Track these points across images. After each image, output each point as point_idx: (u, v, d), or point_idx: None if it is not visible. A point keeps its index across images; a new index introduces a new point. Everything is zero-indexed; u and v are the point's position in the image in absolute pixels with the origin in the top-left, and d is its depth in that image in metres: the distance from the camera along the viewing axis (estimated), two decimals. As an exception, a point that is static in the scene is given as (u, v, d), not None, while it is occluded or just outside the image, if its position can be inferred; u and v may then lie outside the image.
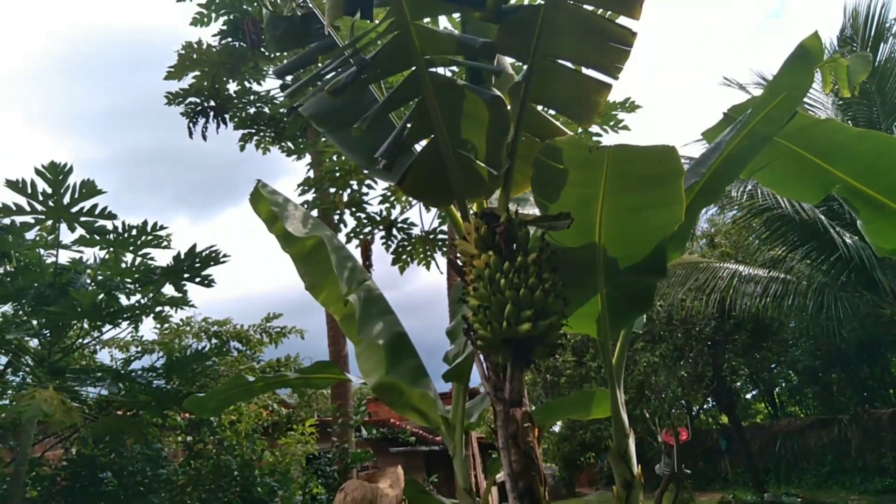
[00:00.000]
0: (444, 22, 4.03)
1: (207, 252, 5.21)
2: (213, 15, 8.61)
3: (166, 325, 7.63)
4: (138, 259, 5.24)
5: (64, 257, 5.32)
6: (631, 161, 2.55)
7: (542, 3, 2.79)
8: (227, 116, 9.24)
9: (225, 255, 5.31)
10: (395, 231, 7.45)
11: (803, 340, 18.76)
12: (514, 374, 2.77)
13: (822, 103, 10.98)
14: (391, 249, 7.54)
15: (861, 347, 16.90)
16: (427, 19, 2.81)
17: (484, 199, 3.38)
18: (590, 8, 2.82)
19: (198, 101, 9.06)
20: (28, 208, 4.66)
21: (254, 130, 9.30)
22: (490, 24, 2.91)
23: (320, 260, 3.71)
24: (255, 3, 8.30)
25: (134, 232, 5.06)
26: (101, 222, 4.94)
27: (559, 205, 2.77)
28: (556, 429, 22.16)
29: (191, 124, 9.17)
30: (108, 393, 5.40)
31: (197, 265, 5.24)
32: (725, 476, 21.22)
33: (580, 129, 5.51)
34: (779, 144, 3.13)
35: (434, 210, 6.84)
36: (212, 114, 9.16)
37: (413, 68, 2.89)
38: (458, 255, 2.96)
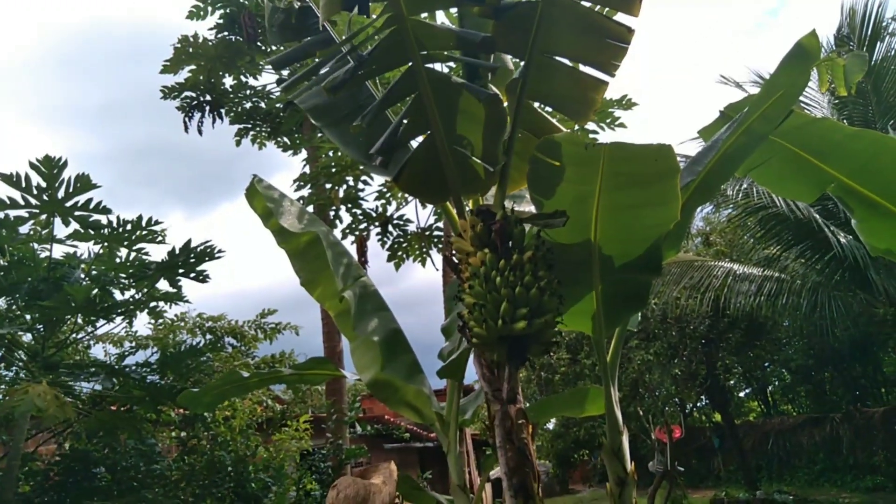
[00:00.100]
0: (441, 17, 4.02)
1: (202, 247, 5.19)
2: (210, 8, 8.58)
3: (160, 321, 7.62)
4: (133, 254, 5.21)
5: (58, 252, 5.30)
6: (627, 159, 2.55)
7: (540, -1, 2.78)
8: (223, 111, 9.21)
9: (220, 251, 5.29)
10: (390, 227, 7.45)
11: (797, 339, 18.84)
12: (509, 372, 2.77)
13: (818, 102, 11.01)
14: (387, 246, 7.54)
15: (854, 346, 16.98)
16: (424, 14, 2.80)
17: (480, 195, 3.38)
18: (588, 4, 2.82)
19: (194, 95, 9.04)
20: (22, 202, 4.64)
21: (250, 125, 9.28)
22: (487, 21, 2.90)
23: (316, 256, 3.71)
24: (252, -3, 8.27)
25: (128, 227, 5.04)
26: (96, 217, 4.92)
27: (555, 202, 2.77)
28: (551, 426, 22.22)
29: (186, 119, 9.15)
30: (101, 388, 5.38)
31: (192, 260, 5.23)
32: (718, 473, 21.31)
33: (576, 127, 5.51)
34: (774, 143, 3.13)
35: (430, 207, 6.84)
36: (207, 108, 9.14)
37: (410, 64, 2.88)
38: (454, 252, 2.95)
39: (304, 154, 8.94)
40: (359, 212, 7.36)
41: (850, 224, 3.69)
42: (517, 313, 2.62)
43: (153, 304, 5.65)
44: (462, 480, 3.61)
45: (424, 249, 7.55)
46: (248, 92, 9.17)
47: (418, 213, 13.55)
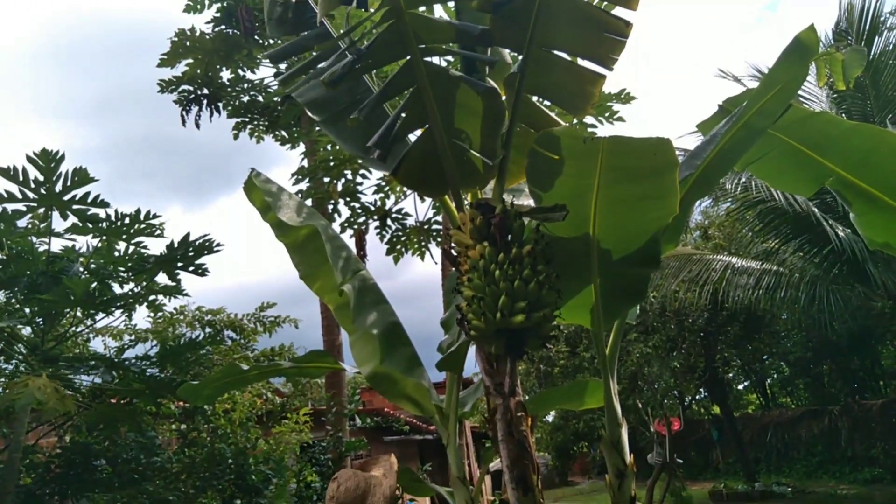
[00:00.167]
0: (439, 11, 4.02)
1: (201, 241, 5.19)
2: (207, 2, 8.55)
3: (160, 314, 7.62)
4: (131, 247, 5.22)
5: (56, 245, 5.31)
6: (626, 152, 2.55)
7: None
8: (220, 105, 9.19)
9: (218, 244, 5.29)
10: (389, 221, 7.45)
11: (795, 332, 18.88)
12: (511, 366, 2.78)
13: (817, 96, 10.99)
14: (385, 239, 7.54)
15: (852, 339, 17.02)
16: (422, 8, 2.79)
17: (478, 189, 3.39)
18: (586, -2, 2.82)
19: (191, 88, 9.01)
20: (20, 196, 4.64)
21: (247, 119, 9.26)
22: (485, 15, 2.90)
23: (315, 249, 3.71)
24: (250, -10, 8.23)
25: (127, 220, 5.04)
26: (94, 210, 4.92)
27: (553, 195, 2.77)
28: (550, 418, 22.27)
29: (184, 112, 9.13)
30: (101, 381, 5.39)
31: (190, 254, 5.23)
32: (717, 466, 21.41)
33: (575, 120, 5.50)
34: (773, 137, 3.13)
35: (428, 200, 6.83)
36: (205, 102, 9.12)
37: (408, 57, 2.88)
38: (453, 245, 2.96)
39: (302, 148, 8.92)
40: (357, 205, 7.35)
41: (848, 218, 3.70)
42: (516, 307, 2.63)
43: (152, 297, 5.65)
44: (462, 472, 3.63)
45: (423, 243, 7.55)
46: (245, 85, 9.15)
47: (417, 207, 13.54)
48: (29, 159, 4.46)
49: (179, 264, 5.30)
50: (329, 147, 6.89)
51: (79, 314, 5.69)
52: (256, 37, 8.46)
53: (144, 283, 5.45)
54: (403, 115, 3.02)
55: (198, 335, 7.02)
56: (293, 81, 3.30)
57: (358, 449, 9.64)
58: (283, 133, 9.10)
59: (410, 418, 14.78)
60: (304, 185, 7.21)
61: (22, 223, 5.01)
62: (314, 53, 3.18)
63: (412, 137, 3.28)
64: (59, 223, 4.97)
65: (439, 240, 7.40)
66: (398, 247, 7.57)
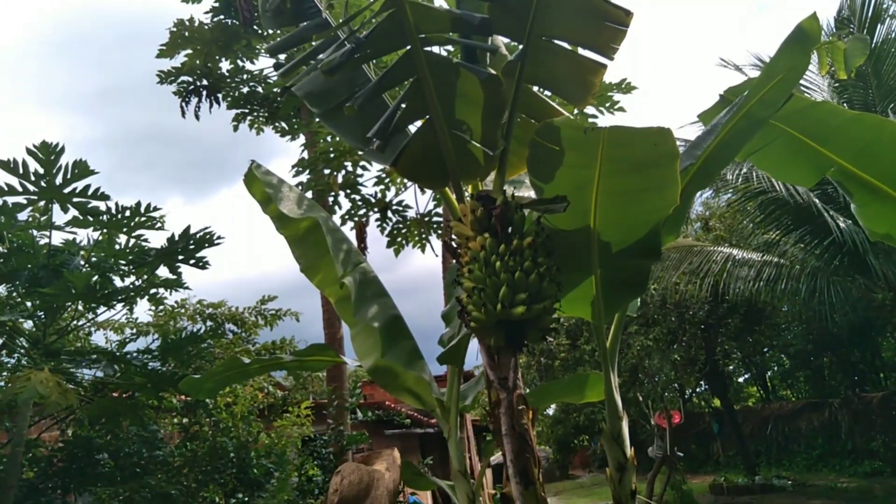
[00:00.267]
0: (439, 1, 3.99)
1: (202, 234, 5.18)
2: (206, -7, 8.50)
3: (161, 308, 7.62)
4: (132, 240, 5.21)
5: (57, 238, 5.30)
6: (626, 143, 2.54)
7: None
8: (219, 96, 9.16)
9: (219, 237, 5.28)
10: (390, 213, 7.43)
11: (796, 324, 18.87)
12: (515, 361, 2.78)
13: (819, 85, 10.95)
14: (386, 232, 7.52)
15: (853, 331, 17.02)
16: (422, -3, 2.78)
17: (479, 180, 3.37)
18: (586, -13, 2.79)
19: (190, 79, 8.98)
20: (20, 189, 4.62)
21: (247, 110, 9.23)
22: (484, 4, 2.88)
23: (315, 242, 3.71)
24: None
25: (127, 213, 5.03)
26: (94, 203, 4.90)
27: (554, 187, 2.77)
28: (551, 411, 22.30)
29: (183, 103, 9.10)
30: (103, 375, 5.39)
31: (191, 247, 5.22)
32: (717, 459, 21.46)
33: (576, 111, 5.48)
34: (775, 127, 3.12)
35: (429, 192, 6.82)
36: (204, 93, 9.08)
37: (408, 47, 2.86)
38: (454, 236, 2.95)
39: (302, 139, 8.90)
40: (358, 197, 7.33)
41: (849, 209, 3.68)
42: (516, 298, 2.62)
43: (153, 290, 5.65)
44: (463, 466, 3.64)
45: (424, 235, 7.54)
46: (245, 76, 9.12)
47: (417, 199, 13.54)
48: (29, 152, 4.45)
49: (180, 257, 5.29)
50: (329, 139, 6.87)
51: (80, 308, 5.69)
52: (255, 27, 8.42)
53: (145, 277, 5.44)
54: (403, 105, 3.01)
55: (199, 329, 7.02)
56: (293, 74, 3.29)
57: (359, 442, 9.66)
58: (283, 124, 9.07)
59: (411, 412, 14.80)
60: (304, 177, 7.20)
61: (22, 216, 5.00)
62: (314, 44, 3.16)
63: (412, 129, 3.27)
64: (59, 216, 4.96)
65: (440, 232, 7.39)
66: (399, 239, 7.56)
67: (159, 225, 5.20)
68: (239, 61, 8.99)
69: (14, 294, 5.27)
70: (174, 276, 5.44)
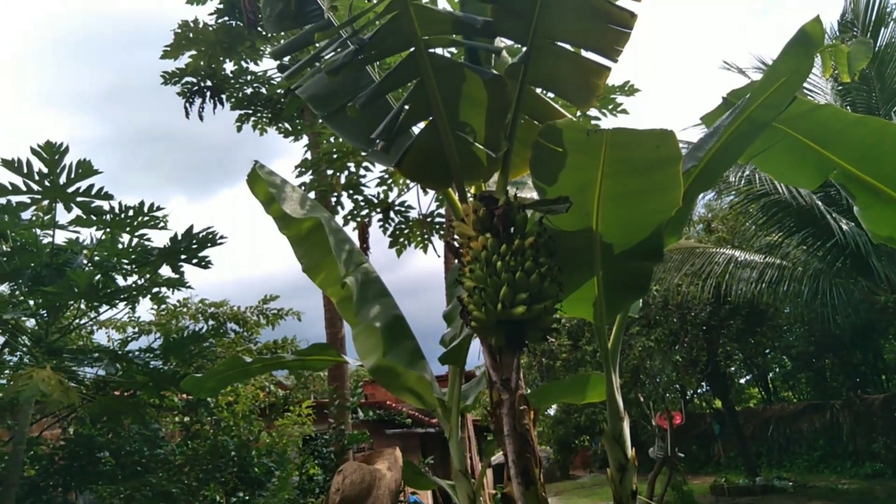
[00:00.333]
0: (442, 2, 4.00)
1: (204, 233, 5.19)
2: (210, -7, 8.52)
3: (163, 307, 7.63)
4: (135, 240, 5.22)
5: (60, 237, 5.32)
6: (629, 145, 2.55)
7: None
8: (223, 96, 9.17)
9: (222, 237, 5.29)
10: (392, 214, 7.43)
11: (798, 326, 18.85)
12: (518, 362, 2.78)
13: (822, 88, 10.94)
14: (388, 232, 7.52)
15: (855, 333, 16.99)
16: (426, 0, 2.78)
17: (482, 181, 3.38)
18: (590, -11, 2.80)
19: (194, 80, 8.99)
20: (24, 188, 4.64)
21: (251, 111, 9.24)
22: (488, 6, 2.89)
23: (318, 242, 3.72)
24: (253, -18, 8.20)
25: (130, 213, 5.04)
26: (98, 203, 4.91)
27: (557, 188, 2.77)
28: (552, 412, 22.30)
29: (187, 104, 9.11)
30: (105, 373, 5.40)
31: (194, 246, 5.23)
32: (718, 460, 21.43)
33: (578, 113, 5.48)
34: (777, 129, 3.12)
35: (431, 193, 6.82)
36: (208, 94, 9.10)
37: (412, 49, 2.87)
38: (456, 236, 2.96)
39: (305, 140, 8.91)
40: (360, 198, 7.33)
41: (852, 211, 3.69)
42: (517, 298, 2.63)
43: (156, 289, 5.66)
44: (464, 465, 3.64)
45: (426, 236, 7.54)
46: (248, 77, 9.13)
47: (420, 200, 13.52)
48: (33, 151, 4.46)
49: (183, 257, 5.30)
50: (332, 139, 6.87)
51: (83, 306, 5.70)
52: (260, 28, 8.43)
53: (148, 276, 5.45)
54: (407, 107, 3.01)
55: (201, 328, 7.04)
56: (297, 77, 3.29)
57: (360, 442, 9.67)
58: (287, 125, 9.08)
59: (412, 411, 14.81)
60: (307, 178, 7.20)
61: (26, 215, 5.01)
62: (317, 45, 3.17)
63: (416, 130, 3.28)
64: (63, 215, 4.98)
65: (442, 233, 7.39)
66: (401, 240, 7.56)
67: (162, 224, 5.21)
68: (243, 62, 9.00)
69: (17, 292, 5.28)
70: (177, 276, 5.45)
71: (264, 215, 3.87)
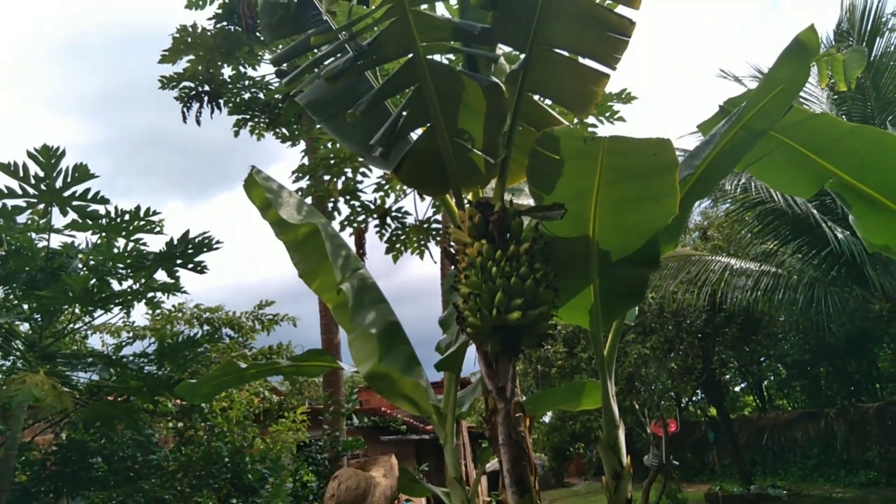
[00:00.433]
0: (441, 9, 4.01)
1: (200, 238, 5.19)
2: (208, -1, 8.53)
3: (158, 311, 7.62)
4: (130, 244, 5.21)
5: (56, 241, 5.29)
6: (626, 153, 2.55)
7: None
8: (221, 101, 9.18)
9: (218, 242, 5.29)
10: (389, 220, 7.43)
11: (792, 334, 18.89)
12: (513, 371, 2.78)
13: (817, 97, 10.99)
14: (385, 238, 7.52)
15: (849, 342, 17.04)
16: (424, 5, 2.79)
17: (480, 188, 3.38)
18: (588, -3, 2.81)
19: (192, 85, 9.00)
20: (20, 192, 4.63)
21: (248, 116, 9.25)
22: (488, 13, 2.89)
23: (314, 247, 3.71)
24: (251, -12, 8.22)
25: (126, 217, 5.03)
26: (94, 207, 4.91)
27: (554, 195, 2.78)
28: (547, 419, 22.27)
29: (185, 109, 9.11)
30: (99, 378, 5.38)
31: (189, 251, 5.22)
32: (713, 468, 21.42)
33: (576, 120, 5.50)
34: (773, 138, 3.13)
35: (428, 199, 6.83)
36: (206, 98, 9.10)
37: (410, 55, 2.88)
38: (452, 243, 2.96)
39: (302, 145, 8.92)
40: (357, 204, 7.34)
41: (847, 220, 3.70)
42: (512, 304, 2.63)
43: (151, 294, 5.64)
44: (458, 473, 3.62)
45: (423, 242, 7.54)
46: (246, 82, 9.14)
47: (416, 206, 13.54)
48: (29, 155, 4.45)
49: (178, 261, 5.29)
50: (329, 145, 6.88)
51: (77, 311, 5.68)
52: (258, 34, 8.45)
53: (143, 280, 5.44)
54: (405, 113, 3.02)
55: (196, 333, 7.02)
56: (296, 82, 3.29)
57: (355, 448, 9.64)
58: (284, 130, 9.09)
59: (407, 418, 14.77)
60: (304, 183, 7.20)
61: (21, 219, 5.00)
62: (317, 52, 3.17)
63: (413, 136, 3.28)
64: (58, 219, 4.96)
65: (439, 239, 7.39)
66: (398, 246, 7.56)
67: (158, 229, 5.20)
68: (241, 67, 9.02)
69: (11, 296, 5.27)
70: (172, 281, 5.44)
71: (261, 220, 3.87)
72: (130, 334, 8.73)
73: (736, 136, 2.87)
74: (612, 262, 3.04)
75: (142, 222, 5.10)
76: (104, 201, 4.87)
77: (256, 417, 8.22)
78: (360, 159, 6.18)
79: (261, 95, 9.20)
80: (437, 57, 3.17)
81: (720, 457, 21.30)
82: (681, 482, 15.80)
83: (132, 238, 5.18)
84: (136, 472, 5.85)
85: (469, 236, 2.83)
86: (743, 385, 24.34)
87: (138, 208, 5.04)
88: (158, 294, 5.69)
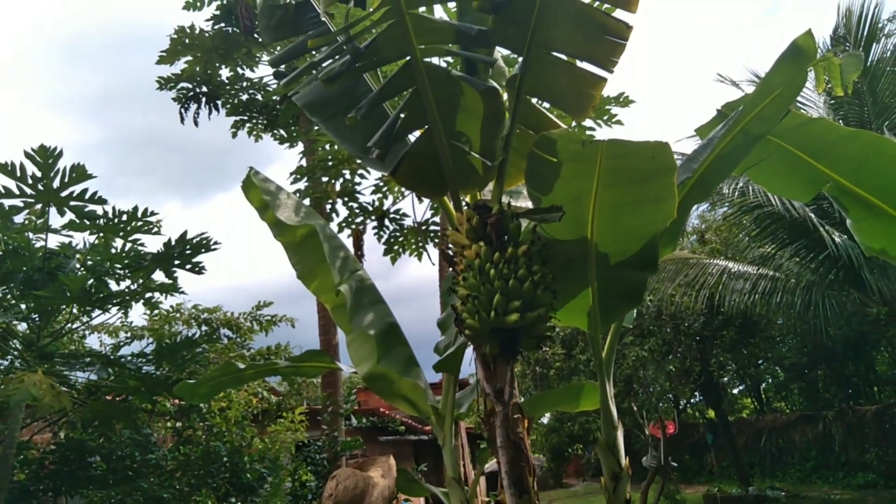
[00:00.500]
0: (439, 12, 4.02)
1: (198, 239, 5.19)
2: (207, -1, 8.54)
3: (156, 312, 7.61)
4: (128, 244, 5.21)
5: (53, 241, 5.29)
6: (624, 156, 2.56)
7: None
8: (219, 102, 9.18)
9: (216, 243, 5.29)
10: (387, 221, 7.44)
11: (790, 337, 18.91)
12: (511, 374, 2.78)
13: (814, 102, 11.02)
14: (383, 240, 7.53)
15: (847, 345, 17.07)
16: (423, 8, 2.80)
17: (477, 191, 3.39)
18: (586, 0, 2.82)
19: (190, 86, 9.00)
20: (17, 192, 4.63)
21: (246, 117, 9.25)
22: (486, 17, 2.90)
23: (312, 249, 3.71)
24: (250, -11, 8.23)
25: (124, 217, 5.03)
26: (91, 207, 4.91)
27: (552, 198, 2.78)
28: (545, 420, 22.28)
29: (182, 109, 9.12)
30: (97, 378, 5.38)
31: (187, 252, 5.22)
32: (711, 469, 21.44)
33: (574, 123, 5.51)
34: (771, 142, 3.15)
35: (426, 201, 6.84)
36: (204, 100, 9.11)
37: (408, 58, 2.88)
38: (450, 245, 2.97)
39: (300, 147, 8.92)
40: (355, 205, 7.35)
41: (844, 224, 3.71)
42: (510, 306, 2.64)
43: (149, 294, 5.65)
44: (457, 473, 3.63)
45: (421, 244, 7.55)
46: (244, 84, 9.15)
47: (415, 208, 13.55)
48: (27, 155, 4.45)
49: (176, 262, 5.29)
50: (328, 146, 6.89)
51: (75, 311, 5.68)
52: (256, 35, 8.45)
53: (141, 281, 5.44)
54: (403, 115, 3.02)
55: (194, 333, 7.02)
56: (294, 84, 3.30)
57: (353, 448, 9.64)
58: (282, 132, 9.10)
59: (406, 419, 14.77)
60: (302, 185, 7.21)
61: (19, 219, 5.00)
62: (315, 54, 3.18)
63: (412, 138, 3.29)
64: (56, 219, 4.96)
65: (437, 241, 7.40)
66: (396, 247, 7.57)
67: (156, 229, 5.20)
68: (239, 69, 9.02)
69: (9, 296, 5.26)
70: (170, 281, 5.44)
71: (259, 221, 3.87)
72: (128, 334, 8.73)
73: (734, 140, 2.88)
74: (610, 264, 3.05)
75: (139, 223, 5.10)
76: (102, 201, 4.87)
77: (255, 418, 8.22)
78: (359, 161, 6.18)
79: (259, 97, 9.21)
80: (435, 60, 3.18)
81: (718, 458, 21.31)
82: (679, 483, 15.81)
83: (130, 238, 5.18)
84: (135, 471, 5.85)
85: (467, 238, 2.84)
86: (741, 387, 24.34)
87: (136, 209, 5.04)
88: (156, 294, 5.69)
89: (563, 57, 3.00)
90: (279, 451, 7.78)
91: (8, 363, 5.41)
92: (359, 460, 8.84)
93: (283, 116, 8.65)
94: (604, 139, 2.49)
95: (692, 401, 19.00)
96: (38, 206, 4.90)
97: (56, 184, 4.64)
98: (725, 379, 20.14)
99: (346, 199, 7.26)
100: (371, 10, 2.85)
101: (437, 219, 7.38)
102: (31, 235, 5.24)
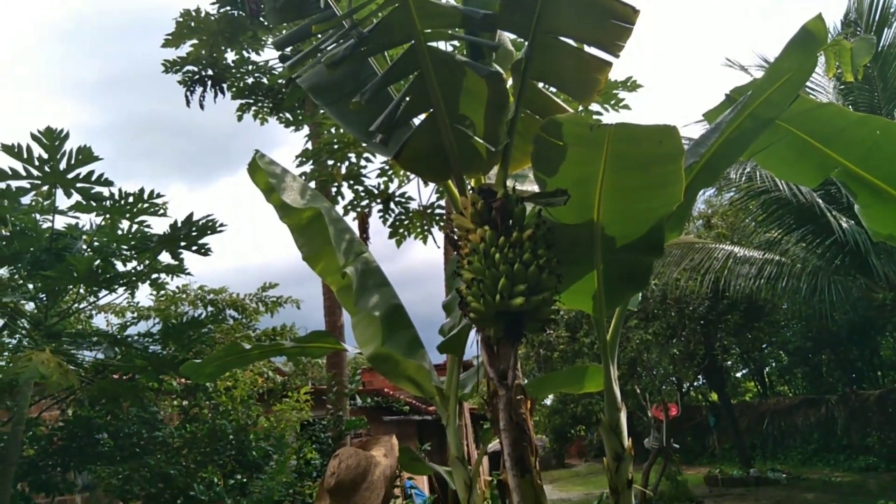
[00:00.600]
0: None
1: (204, 221, 5.20)
2: (213, -19, 8.47)
3: (162, 293, 7.64)
4: (134, 226, 5.22)
5: (60, 223, 5.31)
6: (631, 140, 2.55)
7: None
8: (224, 86, 9.14)
9: (222, 225, 5.29)
10: (392, 204, 7.43)
11: (795, 322, 18.93)
12: (515, 358, 2.80)
13: (824, 87, 10.92)
14: (388, 223, 7.53)
15: (852, 330, 17.08)
16: (428, -9, 2.77)
17: (482, 174, 3.39)
18: (593, -17, 2.79)
19: (195, 69, 8.96)
20: (24, 173, 4.63)
21: (252, 100, 9.21)
22: (494, 1, 2.88)
23: (318, 231, 3.73)
24: (255, -30, 8.15)
25: (130, 199, 5.04)
26: (98, 189, 4.91)
27: (558, 181, 2.78)
28: (548, 402, 22.42)
29: (188, 93, 9.08)
30: (104, 357, 5.43)
31: (193, 233, 5.23)
32: (713, 451, 21.60)
33: (580, 107, 5.47)
34: (779, 127, 3.13)
35: (432, 185, 6.82)
36: (209, 83, 9.06)
37: (412, 42, 2.87)
38: (455, 229, 2.97)
39: (305, 130, 8.89)
40: (361, 188, 7.33)
41: (852, 209, 3.70)
42: (515, 289, 2.64)
43: (155, 275, 5.67)
44: (461, 452, 3.67)
45: (426, 227, 7.54)
46: (250, 67, 9.10)
47: (420, 191, 13.54)
48: (33, 137, 4.45)
49: (182, 244, 5.30)
50: (333, 130, 6.86)
51: (82, 291, 5.72)
52: (261, 18, 8.39)
53: (147, 262, 5.46)
54: (407, 99, 3.01)
55: (200, 314, 7.05)
56: (299, 67, 3.29)
57: (358, 428, 9.72)
58: (288, 115, 9.04)
59: (410, 399, 14.86)
60: (307, 168, 7.19)
61: (25, 200, 5.01)
62: (319, 36, 3.16)
63: (416, 122, 3.28)
64: (62, 201, 4.97)
65: (442, 224, 7.40)
66: (401, 230, 7.57)
67: (162, 211, 5.21)
68: (244, 52, 8.96)
69: (16, 276, 5.30)
70: (176, 262, 5.46)
71: (265, 204, 3.88)
72: (135, 315, 8.78)
73: (742, 124, 2.86)
74: (615, 248, 3.05)
75: (146, 205, 5.10)
76: (108, 183, 4.87)
77: (260, 397, 8.29)
78: (364, 144, 6.17)
79: (264, 80, 9.16)
80: (441, 44, 3.15)
81: (720, 441, 21.46)
82: (681, 465, 15.93)
83: (136, 220, 5.18)
84: (142, 448, 5.92)
85: (472, 222, 2.84)
86: (744, 371, 24.44)
87: (142, 191, 5.04)
88: (162, 275, 5.71)
89: (569, 41, 2.98)
90: (284, 430, 7.86)
91: (16, 342, 5.46)
92: (363, 439, 8.93)
93: (289, 99, 8.60)
94: (612, 123, 2.48)
95: (695, 384, 19.08)
96: (45, 188, 4.91)
97: (62, 166, 4.64)
98: (729, 363, 20.23)
99: (351, 181, 7.24)
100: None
101: (442, 202, 7.37)
102: (38, 217, 5.25)
